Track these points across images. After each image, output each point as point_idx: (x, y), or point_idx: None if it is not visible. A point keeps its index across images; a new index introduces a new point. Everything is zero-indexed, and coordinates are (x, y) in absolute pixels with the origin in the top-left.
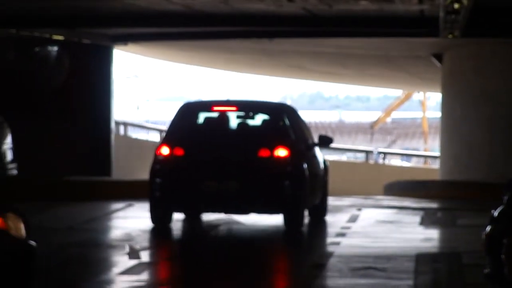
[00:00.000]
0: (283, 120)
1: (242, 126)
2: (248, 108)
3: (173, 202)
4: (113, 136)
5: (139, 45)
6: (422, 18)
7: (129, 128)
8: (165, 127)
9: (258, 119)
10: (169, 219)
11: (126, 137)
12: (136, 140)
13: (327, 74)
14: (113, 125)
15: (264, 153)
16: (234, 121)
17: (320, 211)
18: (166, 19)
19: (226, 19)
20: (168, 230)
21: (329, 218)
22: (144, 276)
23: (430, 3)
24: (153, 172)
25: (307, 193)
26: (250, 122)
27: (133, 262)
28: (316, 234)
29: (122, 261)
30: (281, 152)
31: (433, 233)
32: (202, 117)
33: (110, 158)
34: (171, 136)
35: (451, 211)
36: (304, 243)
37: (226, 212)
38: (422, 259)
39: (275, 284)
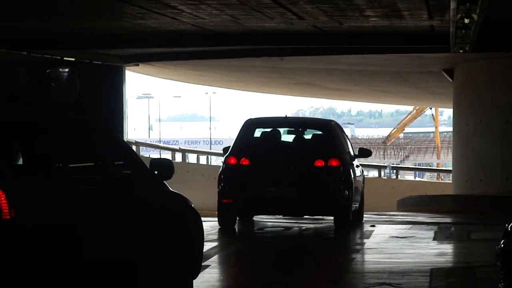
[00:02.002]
0: (333, 135)
1: (298, 139)
2: (303, 124)
3: (240, 205)
4: None
5: (150, 65)
6: (433, 34)
7: (141, 148)
8: (177, 146)
9: (311, 134)
10: (234, 221)
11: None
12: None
13: (338, 91)
14: None
15: (319, 163)
16: (291, 135)
17: (358, 214)
18: (177, 39)
19: (237, 38)
20: (234, 230)
21: (342, 234)
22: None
23: (440, 18)
24: (222, 179)
25: (353, 198)
26: (305, 136)
27: None
28: (330, 251)
29: None
30: (334, 163)
31: (447, 248)
32: (263, 131)
33: None
34: (237, 148)
35: (464, 226)
36: (322, 257)
37: (284, 215)
38: (436, 274)
39: None
